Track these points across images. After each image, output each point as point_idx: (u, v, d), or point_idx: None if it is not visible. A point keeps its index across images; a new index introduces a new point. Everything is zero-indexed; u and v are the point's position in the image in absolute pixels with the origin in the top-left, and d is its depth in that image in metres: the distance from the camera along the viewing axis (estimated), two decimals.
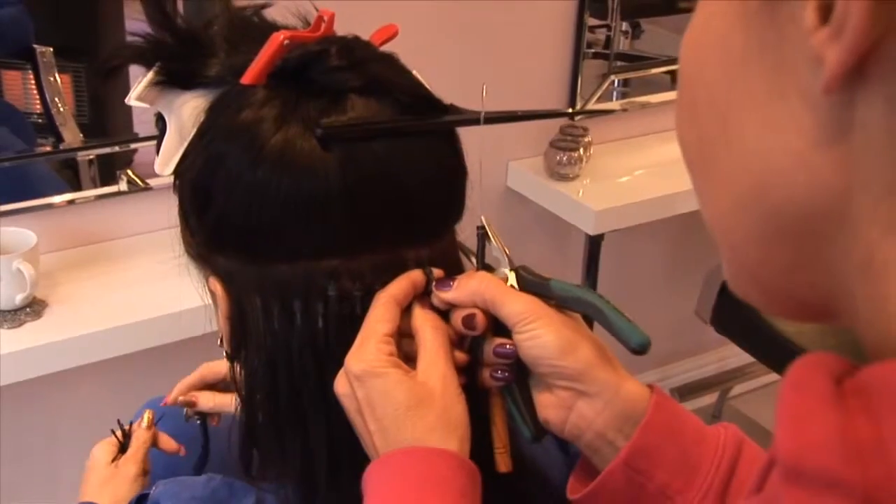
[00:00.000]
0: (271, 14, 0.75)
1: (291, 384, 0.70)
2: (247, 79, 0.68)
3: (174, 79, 0.70)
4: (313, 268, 0.68)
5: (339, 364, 0.67)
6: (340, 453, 0.70)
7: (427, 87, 0.72)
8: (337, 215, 0.67)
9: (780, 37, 0.37)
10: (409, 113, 0.69)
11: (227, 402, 0.98)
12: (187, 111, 0.70)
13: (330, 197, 0.66)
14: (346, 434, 0.68)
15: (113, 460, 1.00)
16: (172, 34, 0.70)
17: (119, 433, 1.02)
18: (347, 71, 0.68)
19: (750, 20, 0.38)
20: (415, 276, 0.69)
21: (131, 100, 0.71)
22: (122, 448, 1.01)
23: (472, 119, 0.71)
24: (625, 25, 2.24)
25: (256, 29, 0.72)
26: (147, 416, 1.02)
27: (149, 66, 0.71)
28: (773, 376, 2.48)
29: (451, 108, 0.72)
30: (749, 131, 0.39)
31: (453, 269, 0.73)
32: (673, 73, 2.36)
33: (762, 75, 0.38)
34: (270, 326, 0.70)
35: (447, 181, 0.72)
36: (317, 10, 0.72)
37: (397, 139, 0.68)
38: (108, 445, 1.01)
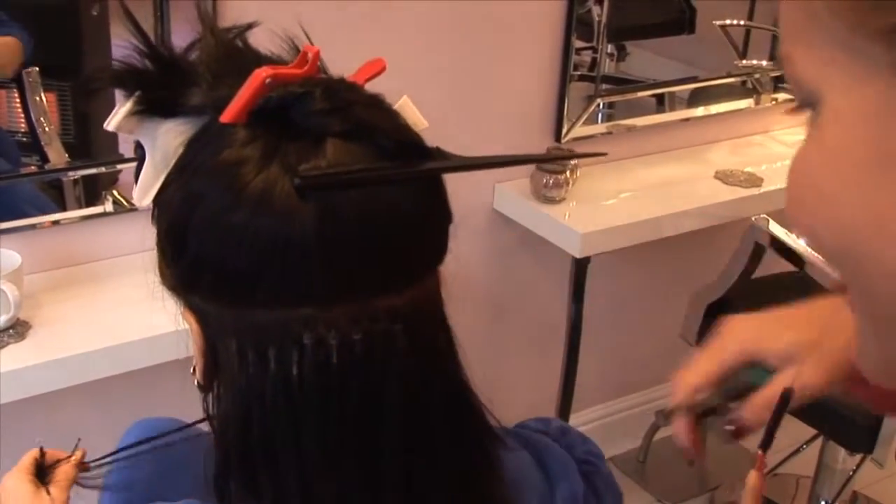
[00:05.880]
0: (257, 35, 0.73)
1: (263, 428, 0.69)
2: (227, 117, 0.66)
3: (154, 108, 0.69)
4: (289, 315, 0.66)
5: (313, 410, 0.67)
6: (313, 494, 0.69)
7: (413, 129, 0.71)
8: (313, 264, 0.65)
9: None
10: (391, 158, 0.67)
11: None
12: (167, 140, 0.69)
13: (306, 245, 0.64)
14: (319, 475, 0.68)
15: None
16: (154, 61, 0.69)
17: (40, 456, 1.01)
18: (330, 115, 0.66)
19: (880, 122, 0.38)
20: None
21: (110, 126, 0.70)
22: (37, 472, 1.00)
23: (455, 165, 0.70)
24: (610, 48, 2.25)
25: (241, 57, 0.71)
26: (78, 453, 1.02)
27: (129, 92, 0.69)
28: None
29: (436, 153, 0.70)
30: None
31: (429, 319, 0.72)
32: (658, 97, 2.37)
33: None
34: (245, 370, 0.69)
35: (428, 228, 0.71)
36: (305, 33, 0.71)
37: (378, 187, 0.67)
38: (22, 473, 1.00)
